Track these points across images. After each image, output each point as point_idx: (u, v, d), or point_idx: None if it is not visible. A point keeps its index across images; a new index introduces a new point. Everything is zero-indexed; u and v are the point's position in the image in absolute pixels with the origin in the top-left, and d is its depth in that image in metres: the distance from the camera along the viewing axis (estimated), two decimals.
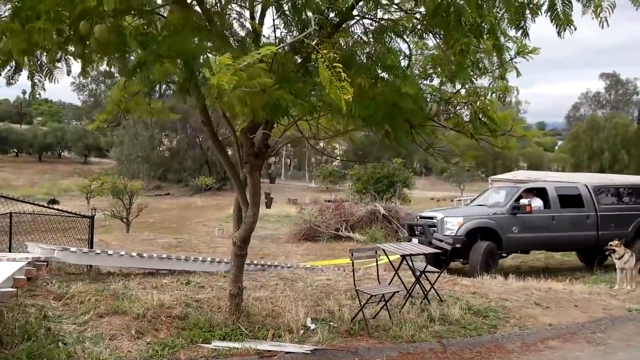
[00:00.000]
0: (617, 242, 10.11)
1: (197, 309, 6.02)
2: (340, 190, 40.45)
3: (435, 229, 11.89)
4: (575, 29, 3.63)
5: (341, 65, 2.94)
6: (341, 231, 19.31)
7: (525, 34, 3.79)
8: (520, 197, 12.12)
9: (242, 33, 4.28)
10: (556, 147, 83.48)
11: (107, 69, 4.07)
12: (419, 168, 70.48)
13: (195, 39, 3.10)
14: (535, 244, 12.45)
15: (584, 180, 24.58)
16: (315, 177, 52.14)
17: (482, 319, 6.64)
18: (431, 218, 12.31)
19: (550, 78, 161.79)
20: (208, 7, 3.47)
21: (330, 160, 48.72)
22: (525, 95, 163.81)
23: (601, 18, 3.34)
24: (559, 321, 6.86)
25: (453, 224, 11.65)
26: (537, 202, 12.33)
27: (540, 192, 12.56)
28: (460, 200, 31.79)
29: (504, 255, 12.40)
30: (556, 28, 3.58)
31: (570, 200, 12.43)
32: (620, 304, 8.05)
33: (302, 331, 5.71)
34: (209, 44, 3.38)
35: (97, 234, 17.90)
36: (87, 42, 3.32)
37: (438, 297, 7.29)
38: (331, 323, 6.02)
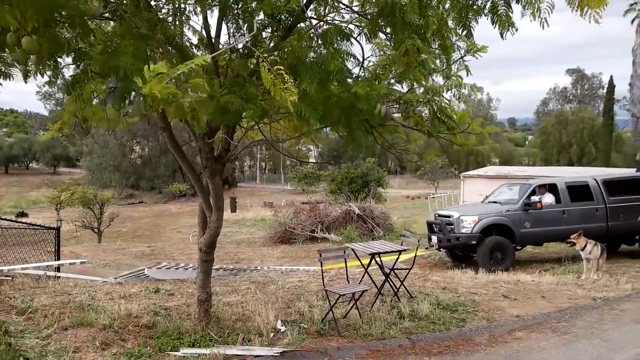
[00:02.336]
0: (576, 234, 10.45)
1: (165, 317, 5.95)
2: (315, 192, 40.48)
3: (452, 227, 12.47)
4: (517, 30, 3.75)
5: (283, 68, 2.95)
6: (317, 232, 19.34)
7: (470, 34, 3.89)
8: (533, 193, 12.62)
9: (195, 40, 4.28)
10: (527, 142, 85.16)
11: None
12: (394, 167, 71.00)
13: (133, 54, 3.02)
14: (546, 237, 13.02)
15: (554, 173, 25.26)
16: (291, 180, 52.07)
17: (451, 314, 6.74)
18: (448, 217, 12.83)
19: (521, 75, 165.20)
20: (155, 14, 3.42)
21: (304, 162, 48.67)
22: (496, 92, 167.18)
23: (541, 19, 3.45)
24: (526, 312, 7.00)
25: (469, 222, 12.28)
26: (548, 198, 12.75)
27: (552, 188, 12.99)
28: (435, 197, 32.12)
29: (518, 248, 12.91)
30: (498, 29, 3.69)
31: (580, 194, 12.87)
32: (586, 293, 8.26)
33: (272, 334, 5.70)
34: (150, 54, 3.33)
35: (68, 246, 17.57)
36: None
37: (408, 294, 7.37)
38: (302, 324, 6.03)
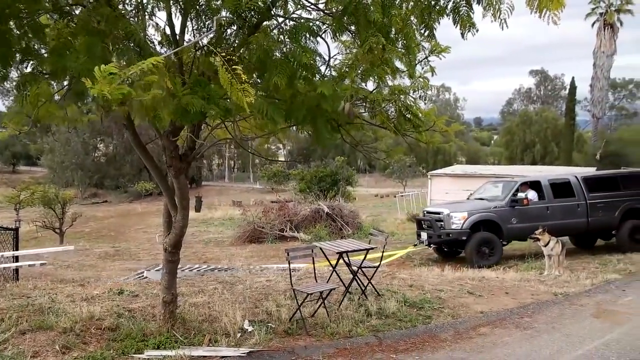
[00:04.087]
0: (540, 230, 10.72)
1: (129, 319, 5.83)
2: (285, 191, 40.35)
3: (442, 223, 12.74)
4: (478, 30, 3.82)
5: (252, 63, 2.92)
6: (286, 231, 19.27)
7: (432, 34, 3.94)
8: (517, 190, 12.98)
9: (158, 37, 4.19)
10: (492, 142, 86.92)
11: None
12: (363, 166, 71.44)
13: (87, 52, 2.91)
14: (532, 233, 13.13)
15: (517, 171, 25.87)
16: (260, 178, 51.75)
17: (417, 311, 6.82)
18: (438, 213, 13.13)
19: (487, 75, 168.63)
20: (113, 10, 3.31)
21: (273, 161, 48.45)
22: (463, 92, 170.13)
23: (501, 20, 3.53)
24: (490, 308, 7.15)
25: (458, 219, 12.56)
26: (532, 195, 13.16)
27: (535, 185, 13.39)
28: (403, 195, 32.43)
29: (505, 243, 13.20)
30: (460, 29, 3.75)
31: (562, 190, 13.32)
32: (548, 289, 8.48)
33: (239, 334, 5.65)
34: (108, 52, 3.22)
35: (28, 247, 16.99)
36: None
37: (376, 292, 7.42)
38: (269, 324, 6.00)
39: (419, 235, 13.76)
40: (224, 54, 2.95)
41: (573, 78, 52.47)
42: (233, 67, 2.94)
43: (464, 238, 12.42)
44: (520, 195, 12.91)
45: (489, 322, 6.54)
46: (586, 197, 13.26)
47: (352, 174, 33.74)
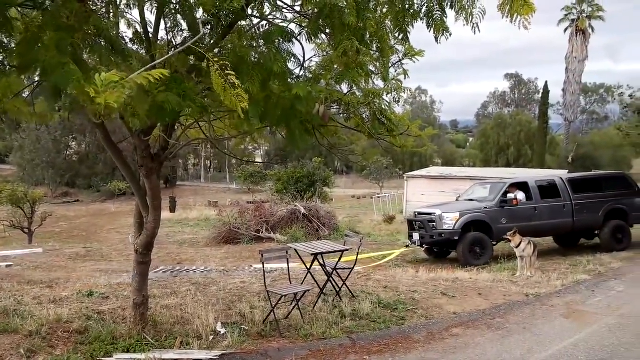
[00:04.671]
0: (511, 232, 10.91)
1: (99, 322, 5.72)
2: (261, 191, 40.16)
3: (434, 224, 12.90)
4: (451, 34, 3.86)
5: (233, 73, 2.88)
6: (262, 232, 19.14)
7: (406, 38, 3.96)
8: (507, 191, 13.25)
9: (130, 34, 4.10)
10: (468, 144, 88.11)
11: None
12: (340, 167, 71.61)
13: (56, 47, 2.81)
14: (521, 233, 13.36)
15: (492, 174, 26.28)
16: (237, 179, 51.40)
17: (391, 312, 6.84)
18: (430, 214, 13.28)
19: (464, 78, 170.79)
20: (83, 5, 3.22)
21: (248, 162, 48.16)
22: (440, 94, 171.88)
23: (473, 24, 3.56)
24: (463, 309, 7.22)
25: (450, 219, 12.72)
26: (520, 196, 13.43)
27: (523, 186, 13.66)
28: (380, 197, 32.63)
29: (494, 243, 13.36)
30: (433, 33, 3.78)
31: (549, 191, 13.64)
32: (520, 289, 8.61)
33: (212, 337, 5.59)
34: (77, 47, 3.12)
35: None
36: None
37: (350, 294, 7.43)
38: (242, 326, 5.95)
39: (410, 236, 13.90)
40: (216, 59, 2.90)
41: (546, 82, 53.48)
42: (227, 73, 2.89)
43: (456, 238, 12.59)
44: (510, 196, 13.22)
45: (461, 323, 6.60)
46: (571, 198, 13.63)
47: (329, 175, 33.76)
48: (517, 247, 10.72)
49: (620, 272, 10.32)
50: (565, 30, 48.03)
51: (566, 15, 47.69)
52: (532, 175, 23.01)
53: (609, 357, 5.44)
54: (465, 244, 12.60)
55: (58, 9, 3.02)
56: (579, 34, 46.81)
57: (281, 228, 19.47)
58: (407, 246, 14.39)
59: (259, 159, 53.07)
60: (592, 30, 47.51)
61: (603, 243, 13.80)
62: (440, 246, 13.73)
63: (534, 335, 6.13)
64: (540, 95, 56.23)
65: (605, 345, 5.78)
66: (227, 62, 3.07)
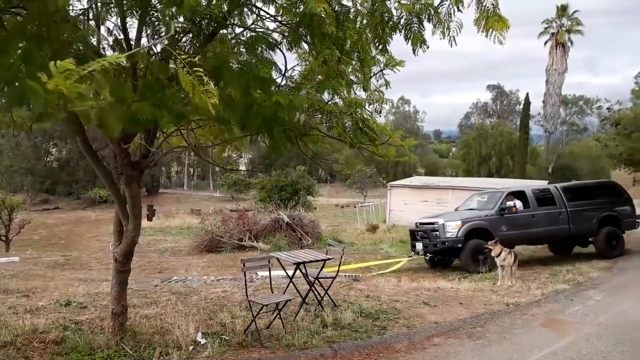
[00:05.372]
0: (492, 241, 11.05)
1: (76, 332, 5.62)
2: (245, 200, 39.98)
3: (437, 232, 13.21)
4: (428, 47, 3.93)
5: (206, 72, 2.86)
6: (245, 241, 19.04)
7: (385, 49, 4.02)
8: (506, 200, 13.59)
9: (109, 42, 4.07)
10: (450, 154, 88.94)
11: None
12: (324, 175, 71.70)
13: (23, 57, 2.76)
14: (520, 239, 13.92)
15: (474, 183, 26.53)
16: (220, 187, 51.11)
17: (372, 322, 6.84)
18: (433, 223, 13.60)
19: (447, 89, 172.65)
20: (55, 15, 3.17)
21: (229, 170, 47.94)
22: (423, 104, 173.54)
23: (450, 37, 3.63)
24: (444, 318, 7.25)
25: (453, 227, 13.03)
26: (518, 204, 13.74)
27: (520, 194, 14.03)
28: (363, 206, 32.71)
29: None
30: (411, 45, 3.84)
31: (545, 200, 13.99)
32: (500, 299, 8.68)
33: (191, 347, 5.53)
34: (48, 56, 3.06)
35: None
36: None
37: (332, 303, 7.41)
38: (223, 336, 5.89)
39: (413, 247, 14.12)
40: (184, 56, 2.89)
41: (527, 94, 54.49)
42: (194, 69, 2.88)
43: (460, 245, 12.79)
44: (509, 203, 13.52)
45: (442, 332, 6.63)
46: (566, 206, 13.97)
47: (312, 184, 33.81)
48: (497, 257, 10.82)
49: (598, 282, 10.47)
50: (546, 43, 48.93)
51: (546, 28, 48.59)
52: (515, 185, 23.27)
53: None
54: (467, 251, 12.80)
55: (29, 17, 2.97)
56: (558, 47, 47.70)
57: (264, 237, 19.40)
58: (410, 256, 14.53)
59: (242, 167, 52.85)
60: (572, 44, 48.44)
61: (598, 249, 14.17)
62: (444, 254, 13.88)
63: (514, 345, 6.18)
64: (521, 106, 57.19)
65: (582, 354, 5.85)
66: (197, 61, 3.02)
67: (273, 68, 4.07)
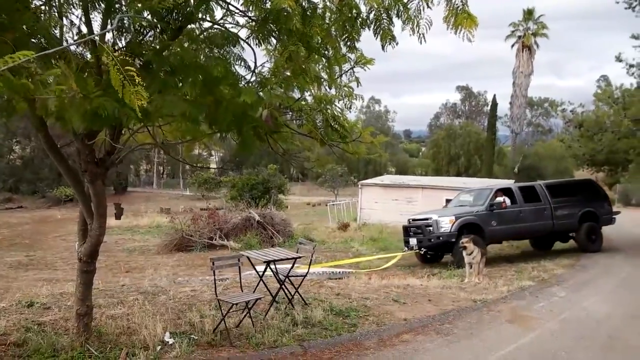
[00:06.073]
0: (466, 239, 11.21)
1: (39, 333, 5.46)
2: (216, 198, 39.56)
3: (431, 228, 13.56)
4: (397, 43, 3.95)
5: (135, 70, 2.78)
6: (215, 240, 18.84)
7: (354, 46, 4.02)
8: (495, 196, 14.04)
9: (72, 35, 3.94)
10: (420, 153, 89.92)
11: None
12: (296, 174, 71.57)
13: None
14: (508, 234, 14.51)
15: (443, 183, 26.92)
16: (190, 185, 50.44)
17: (343, 319, 6.86)
18: (426, 219, 13.99)
19: (418, 89, 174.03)
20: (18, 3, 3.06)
21: (206, 167, 47.36)
22: (395, 104, 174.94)
23: (420, 34, 3.66)
24: (414, 315, 7.33)
25: (446, 223, 13.40)
26: (507, 200, 14.17)
27: (507, 191, 14.53)
28: (334, 204, 32.78)
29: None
30: (380, 41, 3.85)
31: (530, 196, 14.54)
32: (468, 295, 8.83)
33: (159, 347, 5.44)
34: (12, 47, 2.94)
35: None
36: None
37: (303, 301, 7.40)
38: (192, 336, 5.81)
39: (407, 242, 14.44)
40: (116, 53, 2.81)
41: (495, 95, 55.67)
42: (126, 67, 2.80)
43: (453, 240, 13.04)
44: (499, 199, 13.94)
45: (411, 329, 6.70)
46: (550, 202, 14.50)
47: (284, 182, 33.70)
48: (469, 255, 11.03)
49: (562, 278, 10.77)
50: (512, 46, 50.05)
51: (513, 31, 49.71)
52: (483, 184, 23.78)
53: None
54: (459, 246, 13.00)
55: None
56: (525, 49, 48.87)
57: (235, 235, 19.23)
58: (404, 251, 14.75)
59: (213, 166, 52.28)
60: (537, 47, 49.71)
61: (579, 244, 14.87)
62: (437, 249, 14.17)
63: (481, 341, 6.29)
64: (489, 107, 58.28)
65: (547, 349, 6.00)
66: (129, 59, 2.94)
67: (241, 64, 4.03)
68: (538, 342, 6.26)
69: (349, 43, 4.01)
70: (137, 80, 2.77)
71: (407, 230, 14.68)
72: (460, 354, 5.82)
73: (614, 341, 6.41)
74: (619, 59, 16.10)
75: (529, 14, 48.57)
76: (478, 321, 7.24)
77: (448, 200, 22.88)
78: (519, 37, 49.24)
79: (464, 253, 11.24)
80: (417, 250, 14.24)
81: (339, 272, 11.83)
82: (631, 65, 16.12)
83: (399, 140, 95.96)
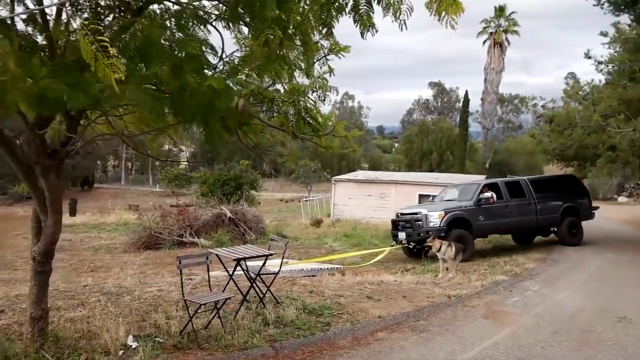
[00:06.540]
0: (430, 238, 11.30)
1: None
2: (186, 194, 38.88)
3: (420, 222, 13.57)
4: (377, 31, 3.75)
5: (132, 51, 2.52)
6: (185, 237, 18.41)
7: (331, 32, 3.80)
8: (481, 191, 14.11)
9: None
10: (393, 149, 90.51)
11: None
12: (269, 170, 71.07)
13: None
14: (495, 229, 14.69)
15: (416, 178, 27.03)
16: (160, 181, 49.49)
17: (316, 318, 6.66)
18: (416, 214, 14.00)
19: (391, 85, 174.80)
20: None
21: (175, 163, 46.48)
22: (368, 100, 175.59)
23: (400, 21, 3.47)
24: (388, 312, 7.18)
25: (436, 217, 13.42)
26: (490, 194, 14.21)
27: (493, 186, 14.63)
28: (307, 200, 32.59)
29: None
30: (359, 28, 3.64)
31: (516, 191, 14.70)
32: (442, 291, 8.74)
33: (121, 351, 5.12)
34: None
35: None
36: None
37: (275, 300, 7.17)
38: (157, 339, 5.51)
39: (395, 236, 14.40)
40: (86, 22, 2.51)
41: (466, 91, 56.11)
42: (99, 37, 2.50)
43: (443, 235, 12.94)
44: (487, 195, 14.02)
45: (386, 327, 6.55)
46: (534, 197, 14.70)
47: (257, 178, 33.28)
48: (438, 251, 11.01)
49: (534, 272, 10.82)
50: (484, 42, 50.65)
51: (484, 28, 50.30)
52: (454, 179, 24.00)
53: (526, 355, 5.57)
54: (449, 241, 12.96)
55: None
56: (496, 46, 49.53)
57: (206, 232, 18.83)
58: (392, 245, 14.72)
59: (184, 161, 51.40)
60: (508, 44, 50.46)
61: (561, 238, 15.12)
62: (420, 244, 14.05)
63: (456, 337, 6.18)
64: (461, 103, 58.88)
65: (522, 344, 5.92)
66: (100, 28, 2.65)
67: (209, 50, 3.75)
68: (513, 338, 6.19)
69: (325, 30, 3.78)
70: (111, 52, 2.47)
71: (395, 225, 14.67)
72: (436, 351, 5.68)
73: (588, 334, 6.39)
74: (588, 55, 16.33)
75: (500, 10, 49.20)
76: (453, 317, 7.15)
77: (421, 196, 23.06)
78: (491, 33, 49.86)
79: (432, 250, 11.27)
80: (406, 245, 14.22)
81: (328, 268, 11.70)
82: (600, 62, 16.38)
83: (372, 136, 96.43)
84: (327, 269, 11.62)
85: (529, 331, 6.47)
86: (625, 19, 15.66)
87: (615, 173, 36.09)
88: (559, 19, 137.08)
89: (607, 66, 16.33)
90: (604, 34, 15.79)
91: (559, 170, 21.31)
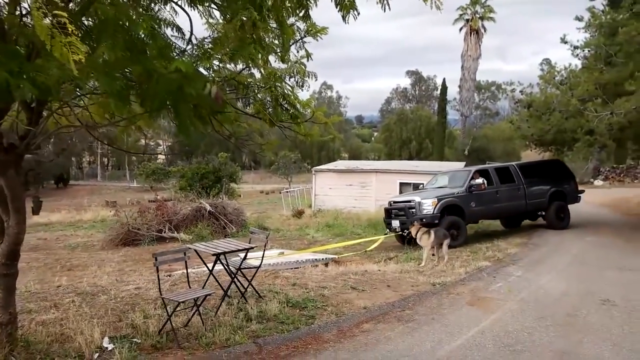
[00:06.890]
0: (412, 225, 11.28)
1: None
2: (164, 189, 38.29)
3: (413, 210, 13.62)
4: (359, 14, 3.56)
5: (67, 15, 2.24)
6: (165, 232, 18.06)
7: (307, 15, 3.59)
8: (473, 178, 14.24)
9: None
10: (372, 138, 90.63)
11: None
12: (248, 162, 70.56)
13: None
14: (486, 215, 14.89)
15: (396, 166, 27.00)
16: (137, 177, 48.62)
17: (300, 311, 6.50)
18: (409, 201, 14.07)
19: (369, 74, 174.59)
20: None
21: (153, 157, 45.76)
22: (346, 90, 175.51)
23: (384, 2, 3.29)
24: (373, 303, 7.06)
25: (429, 204, 13.51)
26: (483, 181, 14.38)
27: (484, 172, 14.77)
28: (288, 191, 32.35)
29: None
30: (341, 12, 3.45)
31: (505, 177, 14.88)
32: (427, 279, 8.66)
33: (96, 354, 4.89)
34: None
35: None
36: None
37: (257, 294, 6.98)
38: (134, 339, 5.29)
39: (389, 224, 14.48)
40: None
41: (444, 79, 56.37)
42: (55, 12, 2.23)
43: (437, 222, 12.98)
44: (478, 181, 14.14)
45: (372, 318, 6.42)
46: (523, 183, 14.85)
47: (236, 171, 32.92)
48: (420, 240, 10.98)
49: (517, 257, 10.83)
50: (461, 29, 50.84)
51: (461, 15, 50.44)
52: (434, 167, 24.05)
53: (513, 342, 5.50)
54: (444, 227, 12.87)
55: None
56: (472, 33, 49.74)
57: (185, 227, 18.50)
58: (386, 233, 14.71)
59: (161, 156, 50.66)
60: (485, 31, 50.72)
61: (548, 222, 15.31)
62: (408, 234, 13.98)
63: (443, 326, 6.08)
64: (439, 91, 59.14)
65: (509, 330, 5.86)
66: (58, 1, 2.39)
67: (176, 33, 3.51)
68: (499, 324, 6.12)
69: (302, 12, 3.56)
70: (70, 29, 2.21)
71: (388, 213, 14.68)
72: (423, 341, 5.57)
73: (573, 319, 6.36)
74: (564, 40, 16.36)
75: None
76: (438, 305, 7.06)
77: (402, 184, 23.01)
78: (467, 20, 50.04)
79: (416, 238, 11.25)
80: (400, 232, 14.17)
81: (323, 258, 11.57)
82: (575, 47, 16.43)
83: (352, 125, 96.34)
84: (322, 259, 11.48)
85: (514, 317, 6.41)
86: (598, 4, 15.75)
87: (591, 157, 36.65)
88: (534, 5, 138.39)
89: (583, 51, 16.40)
90: (579, 19, 15.81)
91: (537, 156, 21.45)
